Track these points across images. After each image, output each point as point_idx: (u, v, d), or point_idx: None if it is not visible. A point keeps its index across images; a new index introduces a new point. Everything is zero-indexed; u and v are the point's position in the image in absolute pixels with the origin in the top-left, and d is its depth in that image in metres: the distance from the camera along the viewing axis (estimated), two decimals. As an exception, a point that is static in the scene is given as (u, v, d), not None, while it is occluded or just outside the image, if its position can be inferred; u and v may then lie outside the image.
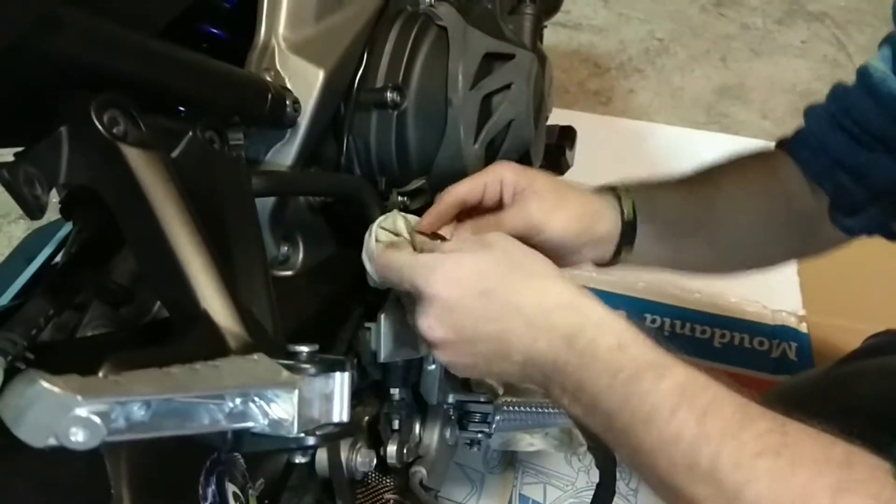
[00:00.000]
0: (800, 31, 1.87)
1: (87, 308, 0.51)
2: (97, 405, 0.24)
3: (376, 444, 0.63)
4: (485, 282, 0.46)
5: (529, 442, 0.77)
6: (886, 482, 0.35)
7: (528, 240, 0.53)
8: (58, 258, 0.66)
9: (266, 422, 0.31)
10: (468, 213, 0.57)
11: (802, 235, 0.66)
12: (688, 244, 0.63)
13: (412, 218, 0.55)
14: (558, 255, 0.55)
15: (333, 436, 0.34)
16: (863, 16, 1.90)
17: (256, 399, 0.31)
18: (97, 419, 0.24)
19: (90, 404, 0.23)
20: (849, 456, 0.36)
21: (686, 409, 0.39)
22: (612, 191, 0.61)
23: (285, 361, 0.34)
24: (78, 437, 0.23)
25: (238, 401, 0.30)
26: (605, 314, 0.45)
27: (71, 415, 0.23)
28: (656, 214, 0.61)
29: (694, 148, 1.53)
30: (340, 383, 0.35)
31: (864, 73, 0.61)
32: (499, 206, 0.57)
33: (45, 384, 0.23)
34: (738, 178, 0.65)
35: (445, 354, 0.48)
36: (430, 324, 0.47)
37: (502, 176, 0.56)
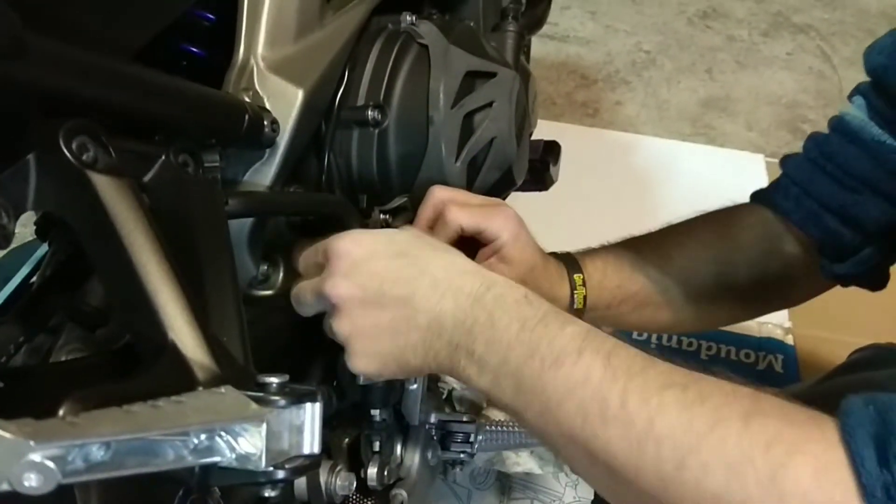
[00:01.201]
0: (785, 43, 1.88)
1: (61, 330, 0.51)
2: (51, 449, 0.23)
3: (356, 466, 0.63)
4: (396, 246, 0.46)
5: (515, 461, 0.77)
6: (795, 409, 0.36)
7: None
8: (35, 278, 0.65)
9: (233, 456, 0.31)
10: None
11: (766, 295, 0.68)
12: (637, 316, 0.66)
13: None
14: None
15: (305, 468, 0.34)
16: (847, 28, 1.92)
17: (223, 434, 0.30)
18: (51, 464, 0.23)
19: (44, 449, 0.23)
20: (755, 391, 0.37)
21: (592, 351, 0.39)
22: (570, 278, 0.63)
23: (254, 393, 0.33)
24: (31, 483, 0.23)
25: (203, 436, 0.29)
26: (509, 280, 0.45)
27: (24, 460, 0.23)
28: (606, 293, 0.64)
29: (680, 159, 1.54)
30: (311, 414, 0.34)
31: (840, 123, 0.63)
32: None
33: (-3, 429, 0.22)
34: (692, 248, 0.67)
35: (344, 322, 0.46)
36: (333, 282, 0.45)
37: (499, 239, 0.58)
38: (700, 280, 0.66)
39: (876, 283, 0.67)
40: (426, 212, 0.59)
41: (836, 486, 0.32)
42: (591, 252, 0.67)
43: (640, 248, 0.67)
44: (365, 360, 0.46)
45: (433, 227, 0.59)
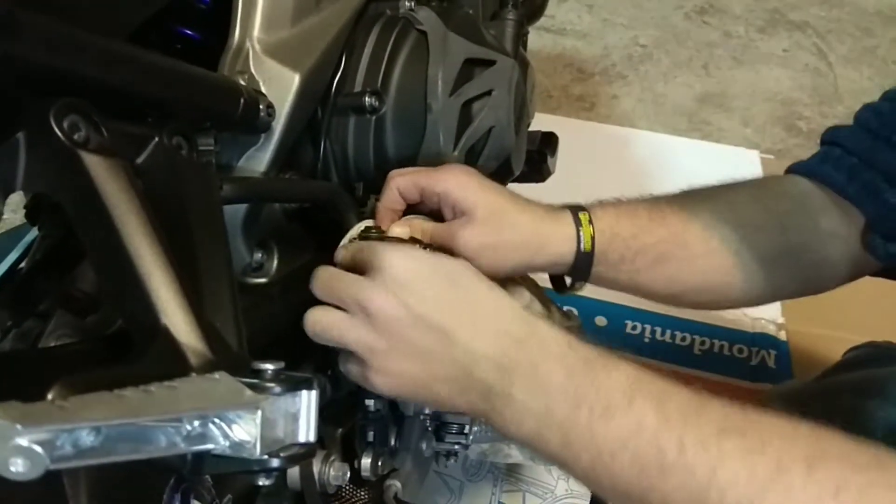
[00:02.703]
0: (781, 39, 1.88)
1: (51, 316, 0.50)
2: (39, 434, 0.22)
3: (350, 456, 0.62)
4: (447, 274, 0.44)
5: (507, 453, 0.77)
6: (858, 450, 0.35)
7: None
8: (24, 263, 0.64)
9: (227, 443, 0.30)
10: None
11: (796, 272, 0.60)
12: (652, 275, 0.58)
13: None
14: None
15: (299, 457, 0.33)
16: (843, 25, 1.92)
17: (217, 420, 0.30)
18: (39, 448, 0.22)
19: (31, 433, 0.22)
20: (816, 430, 0.36)
21: (642, 397, 0.38)
22: (574, 214, 0.56)
23: (249, 380, 0.33)
24: (18, 468, 0.22)
25: (196, 423, 0.28)
26: (553, 326, 0.43)
27: (10, 444, 0.22)
28: (618, 242, 0.56)
29: (675, 154, 1.53)
30: (307, 402, 0.33)
31: (887, 97, 0.57)
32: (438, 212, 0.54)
33: (-17, 412, 0.22)
34: (718, 208, 0.59)
35: (373, 337, 0.43)
36: (377, 293, 0.43)
37: (443, 190, 0.52)
38: (724, 240, 0.57)
39: None
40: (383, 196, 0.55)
41: None
42: (600, 202, 0.59)
43: (657, 201, 0.60)
44: (386, 379, 0.44)
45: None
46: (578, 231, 0.54)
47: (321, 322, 0.46)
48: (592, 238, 0.55)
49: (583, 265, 0.55)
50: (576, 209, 0.56)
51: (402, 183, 0.53)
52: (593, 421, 0.38)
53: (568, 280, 0.58)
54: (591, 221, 0.55)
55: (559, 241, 0.54)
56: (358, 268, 0.47)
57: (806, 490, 0.33)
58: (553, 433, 0.40)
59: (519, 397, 0.40)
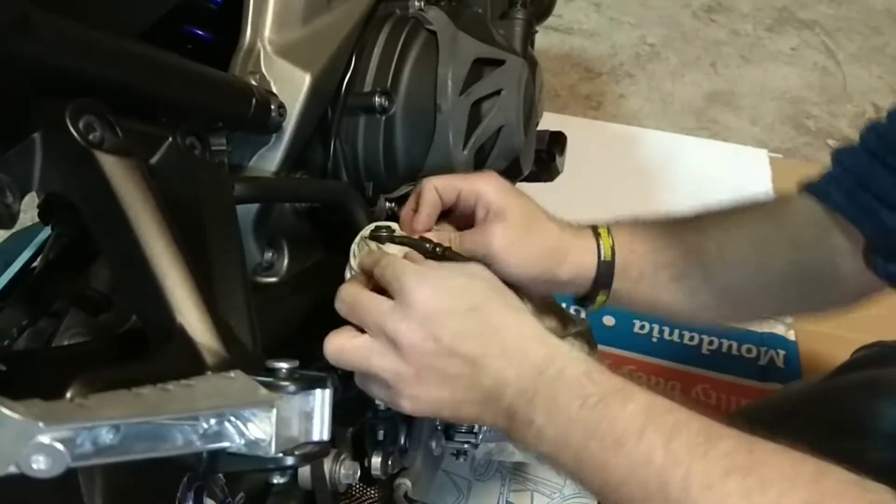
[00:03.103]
0: (790, 38, 1.87)
1: (64, 315, 0.50)
2: (61, 431, 0.22)
3: (360, 455, 0.62)
4: (471, 299, 0.46)
5: (511, 451, 0.76)
6: (858, 496, 0.35)
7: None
8: (37, 262, 0.64)
9: (242, 442, 0.30)
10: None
11: (810, 287, 0.61)
12: (673, 291, 0.59)
13: (395, 226, 0.55)
14: (517, 287, 0.53)
15: (313, 455, 0.33)
16: (852, 24, 1.91)
17: (232, 419, 0.30)
18: (60, 446, 0.22)
19: (53, 431, 0.22)
20: (819, 471, 0.37)
21: (653, 431, 0.39)
22: (593, 229, 0.58)
23: (264, 378, 0.33)
24: (40, 465, 0.22)
25: (213, 421, 0.29)
26: (571, 350, 0.45)
27: (32, 442, 0.22)
28: (637, 258, 0.58)
29: (683, 153, 1.53)
30: (321, 401, 0.34)
31: (892, 115, 0.57)
32: (469, 217, 0.55)
33: (5, 410, 0.22)
34: (731, 225, 0.61)
35: (401, 366, 0.44)
36: (406, 326, 0.44)
37: (480, 191, 0.54)
38: (738, 256, 0.60)
39: None
40: (413, 198, 0.56)
41: None
42: (616, 221, 0.60)
43: (671, 219, 0.61)
44: (415, 403, 0.46)
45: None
46: (598, 242, 0.56)
47: (345, 349, 0.47)
48: (612, 248, 0.56)
49: (605, 276, 0.56)
50: (594, 225, 0.58)
51: (441, 184, 0.54)
52: (605, 450, 0.40)
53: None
54: (609, 233, 0.57)
55: (581, 252, 0.56)
56: (380, 284, 0.48)
57: None
58: (567, 457, 0.42)
59: (538, 422, 0.42)
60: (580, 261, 0.56)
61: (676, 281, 0.58)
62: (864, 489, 0.35)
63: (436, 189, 0.54)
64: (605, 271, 0.56)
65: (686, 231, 0.60)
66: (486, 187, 0.54)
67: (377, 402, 0.61)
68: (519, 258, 0.53)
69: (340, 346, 0.47)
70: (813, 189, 0.61)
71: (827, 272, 0.60)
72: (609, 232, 0.57)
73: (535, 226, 0.55)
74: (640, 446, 0.39)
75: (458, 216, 0.56)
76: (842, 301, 0.64)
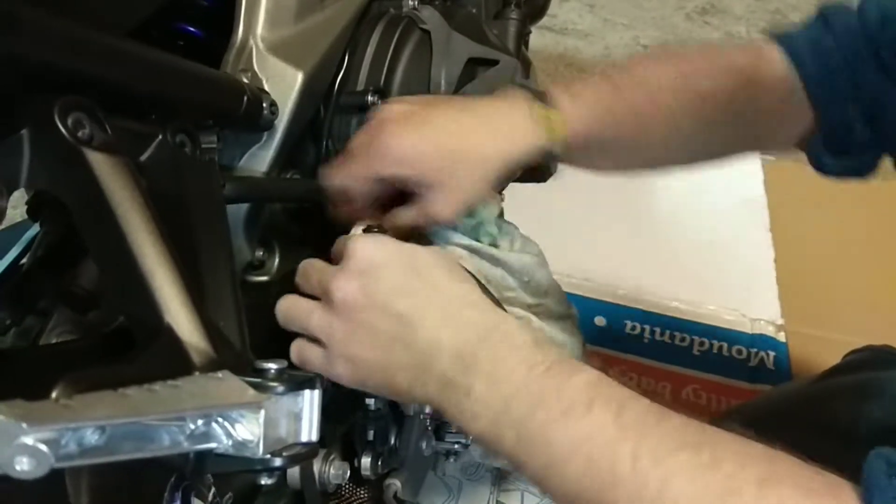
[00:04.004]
0: (783, 40, 1.88)
1: (51, 313, 0.50)
2: (44, 432, 0.22)
3: (350, 455, 0.62)
4: (415, 262, 0.44)
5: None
6: (812, 475, 0.34)
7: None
8: (25, 259, 0.64)
9: (230, 443, 0.30)
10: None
11: (752, 132, 0.59)
12: (618, 157, 0.59)
13: None
14: None
15: (302, 456, 0.33)
16: (845, 27, 1.92)
17: (220, 419, 0.30)
18: (44, 447, 0.22)
19: (37, 432, 0.22)
20: (770, 452, 0.35)
21: (602, 403, 0.37)
22: (532, 106, 0.53)
23: (252, 379, 0.32)
24: (24, 466, 0.22)
25: (200, 422, 0.28)
26: (518, 322, 0.43)
27: (15, 443, 0.22)
28: (583, 133, 0.54)
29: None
30: (310, 401, 0.33)
31: None
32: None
33: (-12, 411, 0.21)
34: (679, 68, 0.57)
35: (335, 322, 0.43)
36: (342, 278, 0.43)
37: (387, 175, 0.51)
38: (690, 128, 0.57)
39: (861, 177, 0.60)
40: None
41: None
42: (568, 92, 0.56)
43: (617, 83, 0.58)
44: (346, 366, 0.44)
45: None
46: (544, 125, 0.53)
47: (289, 308, 0.46)
48: (558, 129, 0.53)
49: (551, 157, 0.55)
50: (534, 102, 0.54)
51: (357, 186, 0.52)
52: (550, 422, 0.37)
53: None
54: (552, 110, 0.53)
55: (526, 136, 0.53)
56: (338, 259, 0.47)
57: None
58: (508, 431, 0.39)
59: (477, 391, 0.39)
60: (526, 149, 0.53)
61: (623, 149, 0.58)
62: (816, 471, 0.34)
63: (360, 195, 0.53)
64: (546, 156, 0.54)
65: (632, 92, 0.57)
66: (385, 171, 0.51)
67: (367, 401, 0.61)
68: (472, 195, 0.51)
69: (286, 306, 0.46)
70: (789, 48, 0.56)
71: (769, 125, 0.59)
72: (552, 109, 0.54)
73: (458, 168, 0.51)
74: (589, 418, 0.36)
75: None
76: (764, 144, 0.63)
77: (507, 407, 0.39)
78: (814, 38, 0.56)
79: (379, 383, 0.44)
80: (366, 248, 0.44)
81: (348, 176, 0.53)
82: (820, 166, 0.58)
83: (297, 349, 0.46)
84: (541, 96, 0.55)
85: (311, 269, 0.47)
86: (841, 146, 0.57)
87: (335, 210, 0.54)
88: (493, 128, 0.53)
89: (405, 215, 0.53)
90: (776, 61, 0.56)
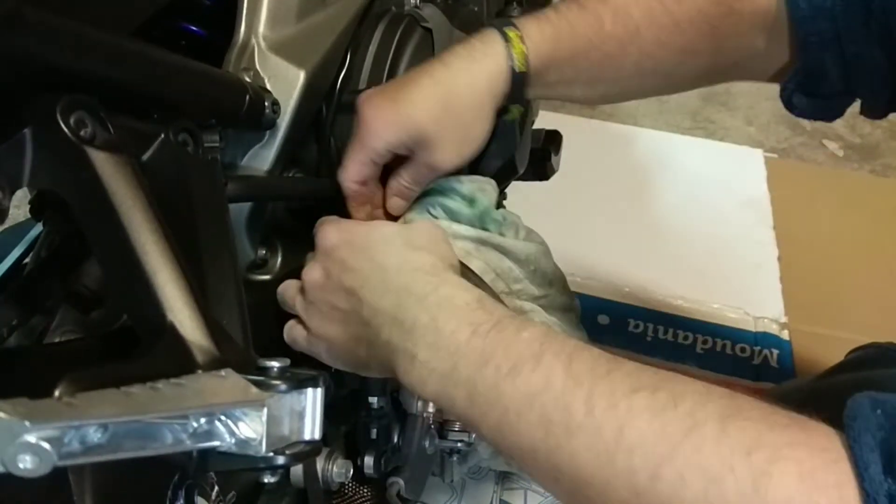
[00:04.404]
0: (786, 38, 1.87)
1: (55, 312, 0.50)
2: (47, 430, 0.22)
3: (353, 453, 0.62)
4: (367, 238, 0.45)
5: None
6: (775, 410, 0.33)
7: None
8: (28, 259, 0.64)
9: (233, 441, 0.30)
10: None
11: (725, 58, 0.57)
12: (591, 87, 0.57)
13: None
14: None
15: (305, 454, 0.33)
16: (848, 24, 1.92)
17: (223, 417, 0.30)
18: (47, 445, 0.22)
19: (39, 430, 0.22)
20: (729, 392, 0.34)
21: (552, 355, 0.36)
22: (502, 34, 0.52)
23: (255, 377, 0.33)
24: (27, 465, 0.22)
25: (203, 420, 0.28)
26: (463, 282, 0.42)
27: (18, 441, 0.22)
28: (553, 63, 0.53)
29: (679, 153, 1.53)
30: (313, 400, 0.34)
31: None
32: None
33: (-9, 409, 0.22)
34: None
35: (307, 306, 0.47)
36: (307, 268, 0.47)
37: (381, 146, 0.51)
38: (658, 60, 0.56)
39: (825, 119, 0.61)
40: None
41: (822, 493, 0.30)
42: (536, 19, 0.55)
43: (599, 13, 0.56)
44: (322, 345, 0.47)
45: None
46: (510, 52, 0.52)
47: (281, 292, 0.51)
48: (525, 56, 0.52)
49: (518, 86, 0.53)
50: (503, 31, 0.53)
51: (354, 172, 0.52)
52: (500, 379, 0.36)
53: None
54: (521, 40, 0.52)
55: (500, 63, 0.52)
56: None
57: (718, 448, 0.31)
58: (458, 392, 0.38)
59: (420, 356, 0.39)
60: (498, 79, 0.51)
61: (595, 81, 0.56)
62: (777, 408, 0.33)
63: (356, 177, 0.53)
64: (518, 81, 0.52)
65: (600, 14, 0.55)
66: (381, 142, 0.50)
67: (370, 399, 0.61)
68: (473, 149, 0.52)
69: (284, 287, 0.51)
70: None
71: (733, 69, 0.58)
72: (521, 38, 0.52)
73: (450, 103, 0.50)
74: (539, 371, 0.35)
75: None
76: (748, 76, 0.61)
77: (454, 368, 0.38)
78: None
79: (347, 359, 0.47)
80: (326, 232, 0.47)
81: (352, 168, 0.53)
82: (790, 105, 0.58)
83: (288, 329, 0.50)
84: (510, 24, 0.54)
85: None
86: (813, 90, 0.56)
87: (357, 215, 0.55)
88: (471, 64, 0.52)
89: (404, 175, 0.53)
90: None
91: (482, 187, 0.56)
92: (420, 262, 0.43)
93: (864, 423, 0.31)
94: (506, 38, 0.52)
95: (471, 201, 0.55)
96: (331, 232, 0.47)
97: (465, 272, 0.50)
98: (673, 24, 0.55)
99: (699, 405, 0.33)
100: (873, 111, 0.58)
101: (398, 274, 0.43)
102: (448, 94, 0.51)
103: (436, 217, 0.54)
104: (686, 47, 0.56)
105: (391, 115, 0.50)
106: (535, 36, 0.53)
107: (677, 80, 0.60)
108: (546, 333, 0.38)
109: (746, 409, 0.33)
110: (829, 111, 0.59)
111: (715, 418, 0.32)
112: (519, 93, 0.53)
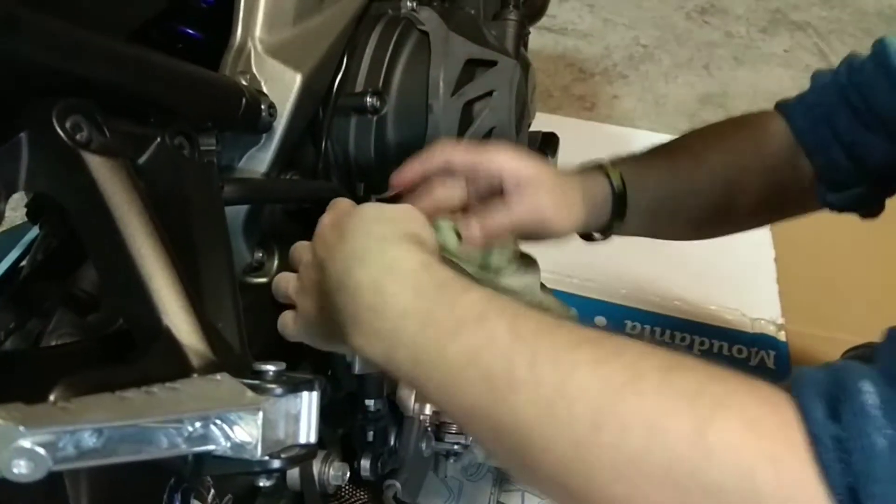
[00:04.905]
0: (783, 40, 1.88)
1: (52, 315, 0.50)
2: (42, 435, 0.22)
3: (350, 456, 0.62)
4: (347, 219, 0.45)
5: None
6: (715, 365, 0.33)
7: (532, 232, 0.57)
8: (24, 262, 0.64)
9: (228, 444, 0.30)
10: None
11: (776, 206, 0.69)
12: (672, 219, 0.66)
13: None
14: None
15: (300, 458, 0.33)
16: (844, 26, 1.92)
17: (218, 421, 0.30)
18: (42, 450, 0.22)
19: (34, 435, 0.22)
20: (673, 351, 0.34)
21: (496, 315, 0.36)
22: (599, 168, 0.63)
23: (250, 381, 0.33)
24: (21, 469, 0.22)
25: (198, 424, 0.28)
26: (414, 248, 0.41)
27: (13, 446, 0.22)
28: (645, 189, 0.63)
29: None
30: (308, 403, 0.34)
31: (881, 48, 0.59)
32: (483, 189, 0.58)
33: (-15, 414, 0.22)
34: (720, 149, 0.66)
35: (300, 288, 0.49)
36: (301, 247, 0.49)
37: (501, 167, 0.56)
38: (722, 180, 0.66)
39: (868, 214, 0.68)
40: (416, 161, 0.58)
41: (767, 437, 0.29)
42: (622, 159, 0.66)
43: (666, 151, 0.69)
44: (300, 323, 0.49)
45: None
46: (609, 179, 0.62)
47: (276, 281, 0.52)
48: (622, 177, 0.62)
49: (619, 205, 0.62)
50: (598, 164, 0.64)
51: (454, 151, 0.57)
52: (442, 338, 0.36)
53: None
54: (615, 166, 0.63)
55: (603, 198, 0.61)
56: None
57: (660, 397, 0.30)
58: (402, 354, 0.38)
59: (364, 319, 0.39)
60: (605, 198, 0.62)
61: (669, 213, 0.65)
62: (717, 364, 0.33)
63: (446, 154, 0.57)
64: (619, 202, 0.62)
65: (684, 158, 0.66)
66: (506, 162, 0.56)
67: (367, 402, 0.61)
68: (569, 216, 0.58)
69: (278, 276, 0.52)
70: (786, 110, 0.66)
71: (789, 192, 0.67)
72: (615, 165, 0.63)
73: (567, 186, 0.59)
74: (483, 329, 0.35)
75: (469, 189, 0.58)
76: (785, 217, 0.73)
77: (396, 331, 0.38)
78: (802, 97, 0.66)
79: (318, 332, 0.48)
80: (323, 218, 0.49)
81: (457, 150, 0.57)
82: (828, 203, 0.66)
83: (280, 317, 0.51)
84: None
85: (297, 247, 0.52)
86: (834, 183, 0.65)
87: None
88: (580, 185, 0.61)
89: (500, 215, 0.57)
90: (779, 132, 0.66)
91: (503, 242, 0.60)
92: (377, 231, 0.42)
93: (806, 379, 0.31)
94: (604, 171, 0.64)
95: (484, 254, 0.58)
96: (325, 214, 0.49)
97: (450, 263, 0.51)
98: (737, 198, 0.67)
99: (642, 357, 0.33)
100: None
101: (353, 243, 0.42)
102: (566, 189, 0.61)
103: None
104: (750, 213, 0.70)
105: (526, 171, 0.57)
106: (630, 173, 0.64)
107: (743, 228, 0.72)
108: (490, 296, 0.37)
109: (689, 362, 0.33)
110: (858, 200, 0.66)
111: (657, 368, 0.32)
112: (619, 211, 0.64)
